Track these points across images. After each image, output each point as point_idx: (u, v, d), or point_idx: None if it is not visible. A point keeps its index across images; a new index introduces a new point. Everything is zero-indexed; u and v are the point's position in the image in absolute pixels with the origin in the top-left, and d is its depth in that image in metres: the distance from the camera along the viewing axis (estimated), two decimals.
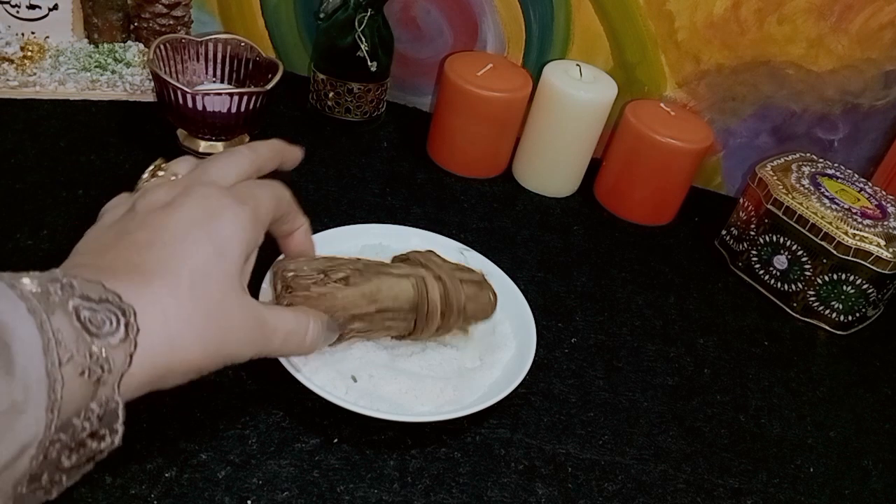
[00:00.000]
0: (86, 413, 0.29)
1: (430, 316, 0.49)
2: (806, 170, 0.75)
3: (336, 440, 0.49)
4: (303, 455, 0.48)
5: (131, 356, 0.30)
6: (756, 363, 0.66)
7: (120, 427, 0.30)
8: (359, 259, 0.49)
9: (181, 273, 0.34)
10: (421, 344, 0.55)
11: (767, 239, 0.73)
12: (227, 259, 0.37)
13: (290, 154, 0.49)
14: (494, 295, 0.54)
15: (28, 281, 0.29)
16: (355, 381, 0.51)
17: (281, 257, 0.49)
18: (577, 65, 0.78)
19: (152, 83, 0.76)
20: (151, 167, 0.42)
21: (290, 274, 0.46)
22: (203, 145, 0.72)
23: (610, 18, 0.80)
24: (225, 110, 0.68)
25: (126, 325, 0.30)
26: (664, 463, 0.55)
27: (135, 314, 0.31)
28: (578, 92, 0.75)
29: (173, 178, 0.41)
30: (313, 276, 0.46)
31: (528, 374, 0.54)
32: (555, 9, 0.80)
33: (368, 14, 0.76)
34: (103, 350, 0.29)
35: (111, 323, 0.30)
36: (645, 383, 0.61)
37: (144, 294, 0.32)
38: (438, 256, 0.52)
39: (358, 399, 0.50)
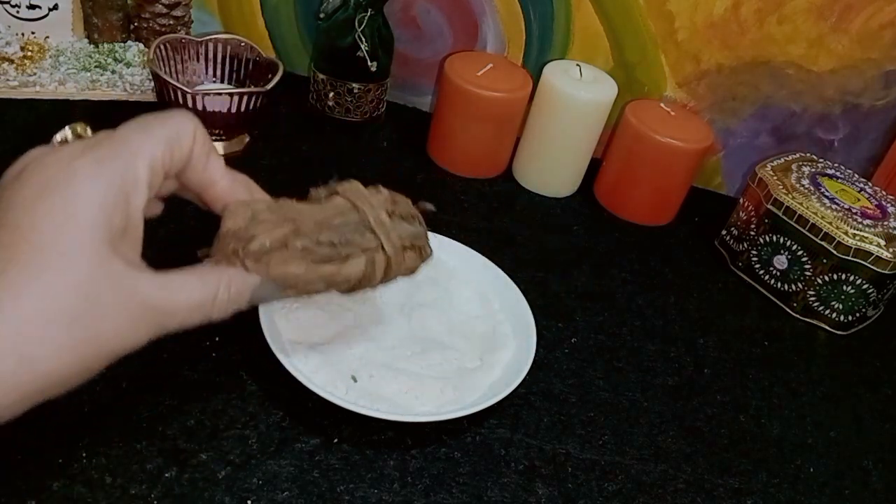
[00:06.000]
0: None
1: (366, 285, 0.46)
2: (806, 170, 0.75)
3: (336, 440, 0.49)
4: (303, 455, 0.48)
5: None
6: (756, 363, 0.66)
7: None
8: (299, 208, 0.43)
9: (24, 263, 0.28)
10: (421, 344, 0.55)
11: (767, 239, 0.73)
12: (84, 235, 0.30)
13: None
14: (430, 253, 0.50)
15: None
16: (355, 381, 0.51)
17: (232, 205, 0.40)
18: (577, 65, 0.77)
19: (152, 83, 0.76)
20: (70, 127, 0.36)
21: (254, 246, 0.38)
22: None
23: (610, 18, 0.80)
24: (225, 110, 0.68)
25: None
26: (664, 463, 0.55)
27: None
28: (578, 92, 0.75)
29: None
30: (270, 247, 0.39)
31: (528, 374, 0.54)
32: (555, 9, 0.80)
33: (368, 14, 0.76)
34: None
35: None
36: (645, 383, 0.61)
37: None
38: (376, 200, 0.45)
39: (358, 399, 0.50)
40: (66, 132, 0.36)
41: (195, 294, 0.35)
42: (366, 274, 0.44)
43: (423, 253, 0.48)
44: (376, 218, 0.44)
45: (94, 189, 0.31)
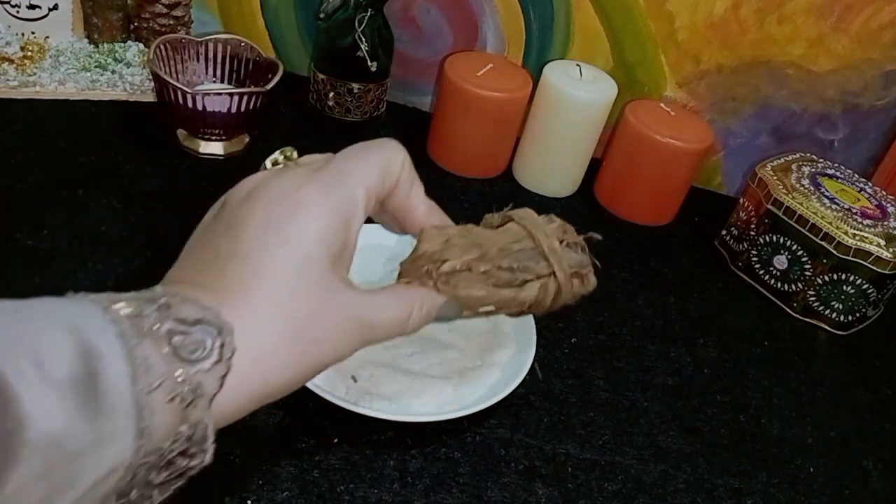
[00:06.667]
0: (175, 436, 0.29)
1: (536, 310, 0.48)
2: (806, 170, 0.75)
3: (336, 440, 0.49)
4: (303, 455, 0.48)
5: (223, 379, 0.30)
6: (756, 363, 0.66)
7: (210, 446, 0.30)
8: (488, 237, 0.46)
9: (258, 293, 0.32)
10: (421, 344, 0.55)
11: (767, 239, 0.73)
12: (310, 265, 0.33)
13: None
14: (593, 282, 0.51)
15: (123, 304, 0.28)
16: (355, 381, 0.51)
17: (423, 231, 0.43)
18: (577, 65, 0.77)
19: (152, 83, 0.76)
20: (280, 151, 0.38)
21: (446, 268, 0.41)
22: (203, 145, 0.72)
23: (610, 18, 0.80)
24: (225, 110, 0.68)
25: (221, 346, 0.30)
26: (664, 463, 0.55)
27: (232, 333, 0.30)
28: (578, 92, 0.75)
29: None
30: (460, 270, 0.42)
31: (528, 374, 0.54)
32: (555, 9, 0.80)
33: (368, 14, 0.76)
34: (194, 375, 0.29)
35: (205, 346, 0.29)
36: (645, 383, 0.61)
37: (230, 315, 0.31)
38: (549, 229, 0.48)
39: (358, 399, 0.50)
40: (277, 156, 0.38)
41: (395, 312, 0.38)
42: (538, 299, 0.46)
43: (587, 281, 0.49)
44: (550, 246, 0.46)
45: (320, 220, 0.34)
